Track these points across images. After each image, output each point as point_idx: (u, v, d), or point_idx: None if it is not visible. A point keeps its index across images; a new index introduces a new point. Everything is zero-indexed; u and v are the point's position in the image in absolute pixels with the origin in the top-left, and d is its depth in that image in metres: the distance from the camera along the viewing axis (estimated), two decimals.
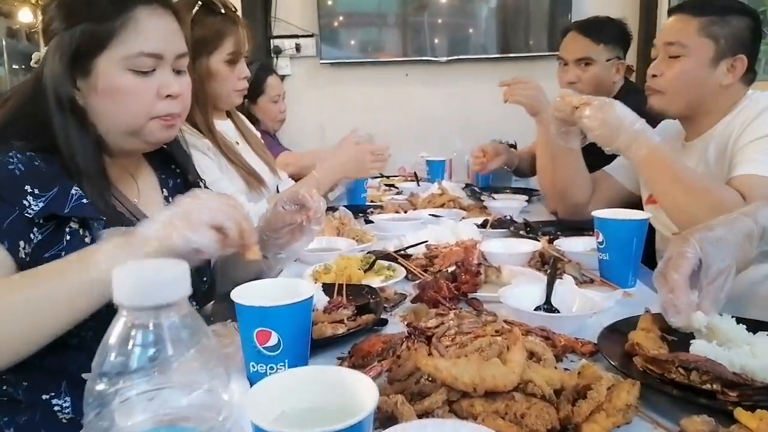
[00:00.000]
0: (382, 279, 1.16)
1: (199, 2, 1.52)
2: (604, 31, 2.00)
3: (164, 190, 1.14)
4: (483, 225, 1.68)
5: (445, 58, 3.45)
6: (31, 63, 1.02)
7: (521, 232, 1.56)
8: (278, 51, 3.54)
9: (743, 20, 1.41)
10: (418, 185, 2.48)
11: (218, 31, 1.53)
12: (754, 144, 1.30)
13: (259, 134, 2.07)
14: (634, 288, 1.14)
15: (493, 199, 2.09)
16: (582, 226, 1.64)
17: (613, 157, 1.74)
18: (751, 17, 1.42)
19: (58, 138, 0.94)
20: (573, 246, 1.35)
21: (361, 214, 1.95)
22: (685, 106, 1.46)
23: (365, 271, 1.21)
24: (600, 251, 1.16)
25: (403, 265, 1.25)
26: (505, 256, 1.26)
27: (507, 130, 2.96)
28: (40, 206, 0.88)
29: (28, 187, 0.88)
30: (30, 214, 0.87)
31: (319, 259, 1.30)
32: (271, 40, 3.54)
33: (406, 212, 1.91)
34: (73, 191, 0.92)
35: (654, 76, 1.49)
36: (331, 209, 1.90)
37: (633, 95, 1.90)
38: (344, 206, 2.04)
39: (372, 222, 1.75)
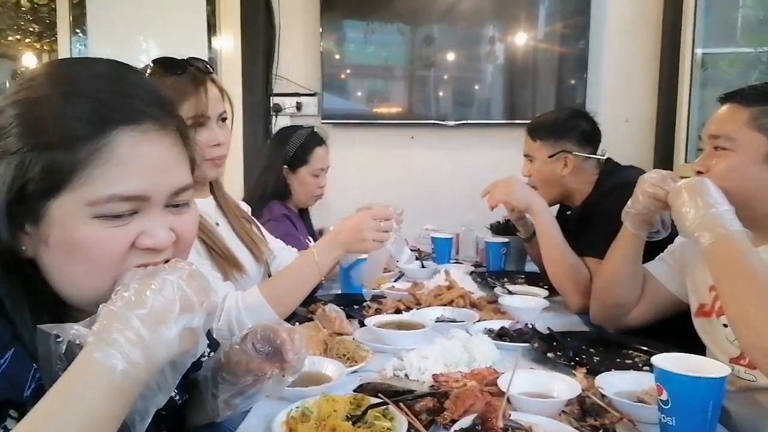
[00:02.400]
0: None
1: (152, 63, 1.30)
2: (541, 129, 1.95)
3: None
4: (499, 335, 1.42)
5: (453, 122, 3.25)
6: None
7: (548, 355, 1.28)
8: (278, 109, 3.36)
9: None
10: (423, 266, 2.21)
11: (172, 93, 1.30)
12: None
13: (247, 209, 1.82)
14: None
15: (508, 291, 1.83)
16: (621, 342, 1.39)
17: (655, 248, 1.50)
18: None
19: (2, 297, 0.66)
20: (619, 384, 1.07)
21: (356, 307, 1.69)
22: (736, 207, 1.22)
23: (354, 422, 0.93)
24: (663, 412, 0.89)
25: (403, 411, 0.97)
26: (536, 404, 0.99)
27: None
28: None
29: None
30: None
31: (296, 396, 1.02)
32: (271, 98, 3.37)
33: (408, 309, 1.64)
34: (35, 365, 0.65)
35: (699, 173, 1.27)
36: (319, 300, 1.64)
37: (612, 177, 1.83)
38: (336, 296, 1.78)
39: (365, 325, 1.47)
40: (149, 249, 0.68)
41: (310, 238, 2.25)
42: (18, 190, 0.64)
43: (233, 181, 3.06)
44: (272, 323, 0.85)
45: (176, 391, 0.85)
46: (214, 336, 1.23)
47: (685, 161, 2.90)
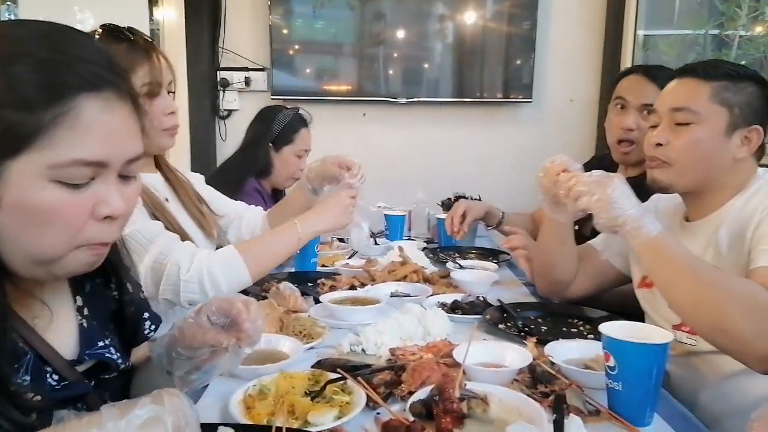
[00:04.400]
0: (335, 414, 0.89)
1: (100, 29, 1.25)
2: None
3: (78, 297, 0.81)
4: (452, 308, 1.45)
5: (404, 100, 3.25)
6: None
7: (500, 326, 1.32)
8: (225, 84, 3.26)
9: (755, 87, 1.25)
10: (375, 243, 2.22)
11: (125, 60, 1.25)
12: None
13: (199, 179, 1.75)
14: (651, 426, 0.92)
15: (459, 266, 1.86)
16: (567, 313, 1.44)
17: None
18: (761, 85, 1.26)
19: None
20: (567, 352, 1.11)
21: (310, 284, 1.68)
22: (695, 180, 1.27)
23: (313, 398, 0.93)
24: (610, 378, 0.93)
25: (361, 384, 0.98)
26: (490, 374, 1.01)
27: (470, 180, 2.77)
28: None
29: None
30: None
31: (253, 374, 1.01)
32: (218, 72, 3.26)
33: (363, 286, 1.64)
34: None
35: (659, 145, 1.30)
36: (273, 278, 1.61)
37: None
38: (290, 275, 1.77)
39: (320, 302, 1.47)
40: (106, 218, 0.68)
41: None
42: None
43: (181, 154, 2.97)
44: (228, 295, 0.84)
45: (118, 355, 0.83)
46: (182, 288, 1.22)
47: None
